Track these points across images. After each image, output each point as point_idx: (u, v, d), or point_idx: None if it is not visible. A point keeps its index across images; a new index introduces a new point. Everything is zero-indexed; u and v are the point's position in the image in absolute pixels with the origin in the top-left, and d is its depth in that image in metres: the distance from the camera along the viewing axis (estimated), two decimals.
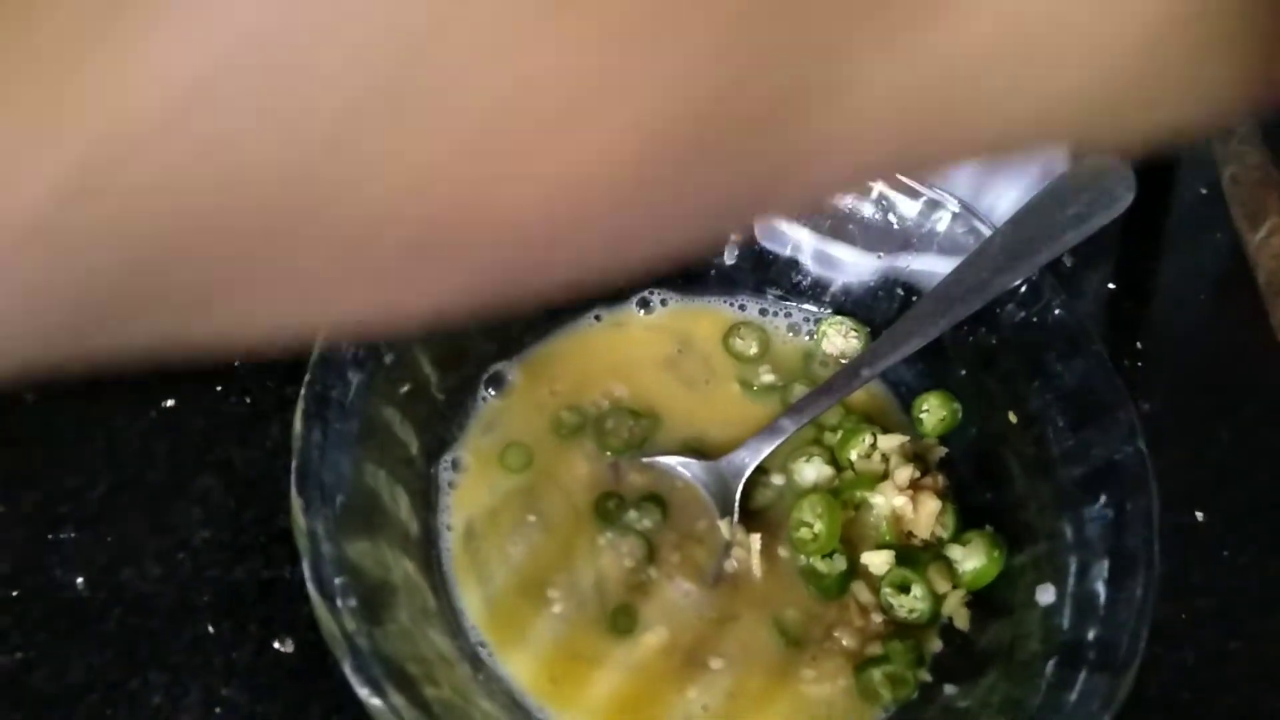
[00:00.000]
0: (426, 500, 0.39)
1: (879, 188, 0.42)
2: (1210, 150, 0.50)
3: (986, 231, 0.40)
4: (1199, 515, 0.44)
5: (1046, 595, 0.35)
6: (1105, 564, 0.34)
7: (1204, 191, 0.55)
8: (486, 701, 0.34)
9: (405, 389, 0.38)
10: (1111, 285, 0.52)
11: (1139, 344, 0.50)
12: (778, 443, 0.40)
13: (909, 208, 0.42)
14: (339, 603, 0.30)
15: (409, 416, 0.38)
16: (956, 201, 0.41)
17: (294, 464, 0.32)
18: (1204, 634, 0.42)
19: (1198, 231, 0.54)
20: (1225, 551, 0.44)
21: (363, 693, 0.29)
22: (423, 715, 0.29)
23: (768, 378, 0.43)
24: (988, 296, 0.38)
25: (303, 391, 0.34)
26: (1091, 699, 0.30)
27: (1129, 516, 0.34)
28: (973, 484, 0.41)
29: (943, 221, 0.41)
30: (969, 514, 0.40)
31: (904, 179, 0.41)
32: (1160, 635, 0.41)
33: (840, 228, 0.43)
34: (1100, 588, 0.33)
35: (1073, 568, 0.34)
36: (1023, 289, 0.39)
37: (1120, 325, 0.51)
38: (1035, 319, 0.39)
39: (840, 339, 0.44)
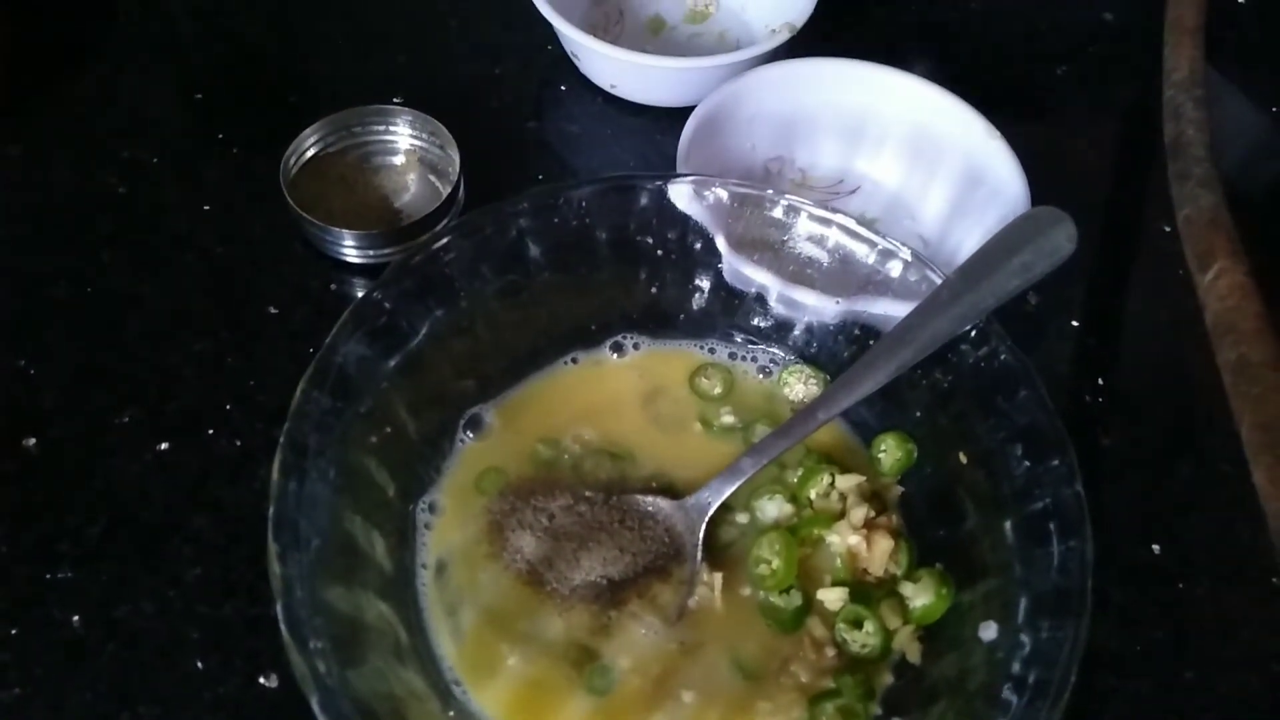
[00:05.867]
0: (403, 541, 0.41)
1: (835, 237, 0.44)
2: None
3: (937, 279, 0.42)
4: (1155, 548, 0.46)
5: (989, 631, 0.36)
6: (1043, 602, 0.35)
7: (1167, 229, 0.56)
8: None
9: (382, 435, 0.40)
10: (1075, 323, 0.53)
11: (1100, 380, 0.51)
12: (739, 483, 0.41)
13: (864, 255, 0.43)
14: (311, 645, 0.32)
15: (386, 462, 0.40)
16: (909, 250, 0.43)
17: (270, 513, 0.34)
18: (1158, 664, 0.43)
19: (1160, 270, 0.55)
20: (1181, 584, 0.45)
21: None
22: None
23: (727, 419, 0.45)
24: (938, 342, 0.40)
25: (281, 441, 0.36)
26: None
27: (1066, 557, 0.35)
28: (928, 522, 0.42)
29: (896, 269, 0.43)
30: (925, 551, 0.41)
31: (859, 230, 0.43)
32: (1116, 665, 0.43)
33: (801, 274, 0.45)
34: (1036, 625, 0.35)
35: (1015, 605, 0.36)
36: (972, 334, 0.41)
37: (1083, 361, 0.52)
38: (984, 364, 0.40)
39: (801, 386, 0.46)
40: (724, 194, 0.44)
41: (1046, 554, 0.36)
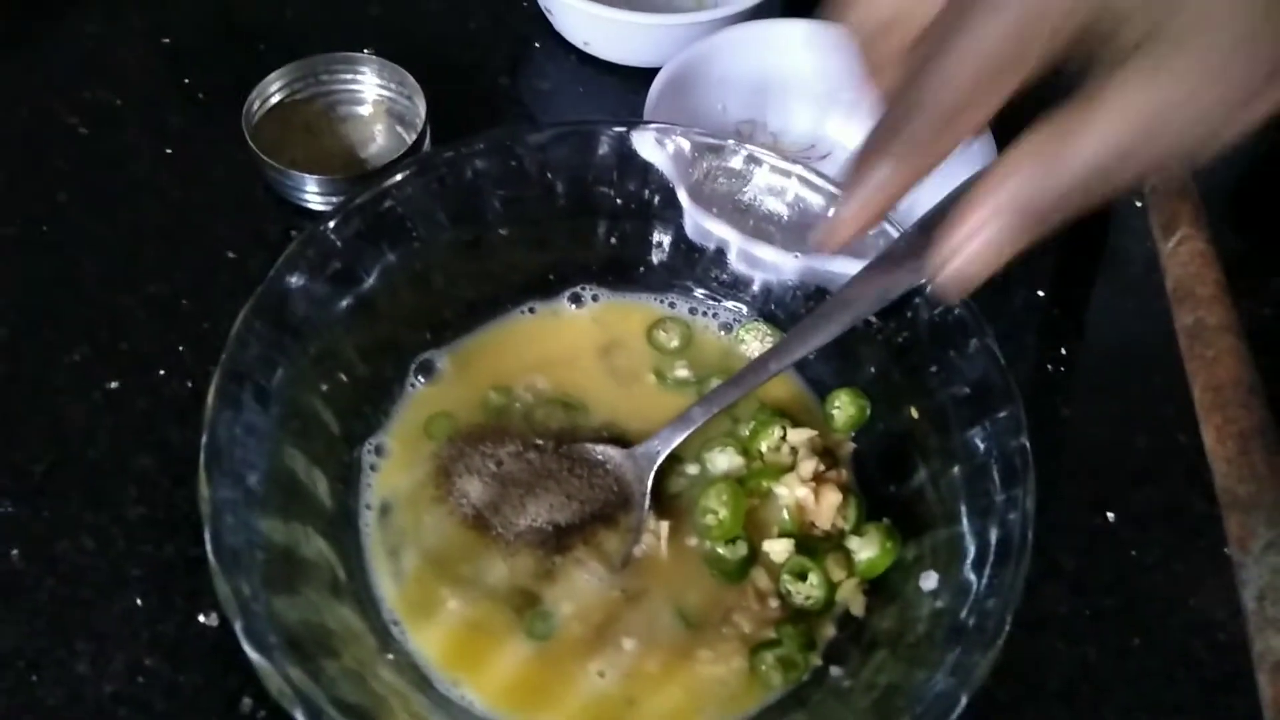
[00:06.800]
0: (347, 481, 0.40)
1: (794, 189, 0.43)
2: None
3: (895, 234, 0.41)
4: (1110, 516, 0.46)
5: (929, 581, 0.36)
6: (984, 552, 0.35)
7: (1138, 205, 0.56)
8: (389, 673, 0.35)
9: (329, 375, 0.40)
10: (1041, 293, 0.53)
11: (1063, 350, 0.51)
12: (688, 431, 0.41)
13: (824, 208, 0.43)
14: (240, 569, 0.32)
15: (332, 402, 0.40)
16: None
17: (204, 439, 0.33)
18: (1106, 630, 0.43)
19: (1128, 243, 0.55)
20: (1133, 551, 0.45)
21: (253, 655, 0.30)
22: (312, 681, 0.30)
23: (682, 373, 0.45)
24: (892, 296, 0.40)
25: (218, 369, 0.35)
26: (956, 677, 0.31)
27: (1007, 507, 0.35)
28: (879, 478, 0.42)
29: None
30: (875, 508, 0.41)
31: (818, 181, 0.43)
32: (1064, 630, 0.43)
33: (761, 229, 0.44)
34: (977, 574, 0.34)
35: (957, 556, 0.36)
36: (928, 289, 0.40)
37: (1047, 332, 0.52)
38: (938, 319, 0.40)
39: (758, 344, 0.45)
40: (686, 144, 0.43)
41: (990, 504, 0.35)
